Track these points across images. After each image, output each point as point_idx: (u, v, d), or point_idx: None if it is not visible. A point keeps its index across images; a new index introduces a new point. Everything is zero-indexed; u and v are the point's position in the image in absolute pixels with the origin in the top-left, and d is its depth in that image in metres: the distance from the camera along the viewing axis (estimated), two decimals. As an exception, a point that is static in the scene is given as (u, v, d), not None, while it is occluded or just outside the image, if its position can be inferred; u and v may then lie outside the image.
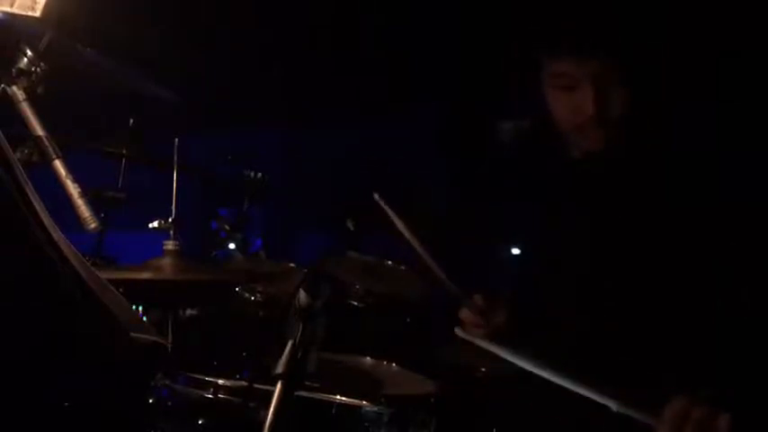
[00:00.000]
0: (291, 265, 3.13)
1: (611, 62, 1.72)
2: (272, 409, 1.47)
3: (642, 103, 1.76)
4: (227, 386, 2.33)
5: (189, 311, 2.87)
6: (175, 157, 2.52)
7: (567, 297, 1.91)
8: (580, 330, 1.85)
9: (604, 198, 1.85)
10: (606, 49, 1.73)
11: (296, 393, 1.51)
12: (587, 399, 1.60)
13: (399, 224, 1.86)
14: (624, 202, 1.81)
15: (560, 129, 1.83)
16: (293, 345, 1.51)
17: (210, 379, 2.36)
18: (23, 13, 1.74)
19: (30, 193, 1.26)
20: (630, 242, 1.79)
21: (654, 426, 1.55)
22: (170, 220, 2.47)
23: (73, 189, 1.75)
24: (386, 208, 1.87)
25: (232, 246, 3.33)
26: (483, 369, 2.73)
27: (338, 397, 2.39)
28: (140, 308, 2.64)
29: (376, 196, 1.88)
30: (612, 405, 1.55)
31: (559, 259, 1.94)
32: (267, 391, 1.68)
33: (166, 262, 2.39)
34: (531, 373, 1.72)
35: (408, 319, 3.33)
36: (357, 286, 3.16)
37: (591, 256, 1.88)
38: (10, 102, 1.77)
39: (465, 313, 1.92)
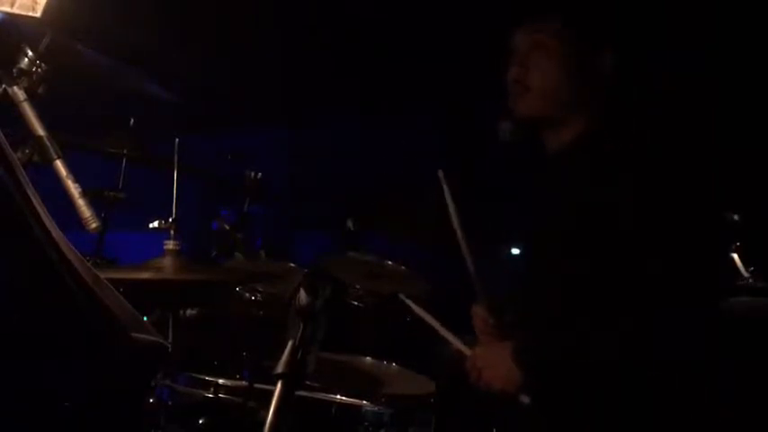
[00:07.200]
0: (291, 265, 3.13)
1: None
2: (272, 409, 1.47)
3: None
4: (227, 386, 2.33)
5: (189, 311, 2.87)
6: (176, 157, 2.52)
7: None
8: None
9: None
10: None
11: (296, 393, 1.51)
12: None
13: (452, 206, 1.92)
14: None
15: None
16: (293, 345, 1.51)
17: (210, 379, 2.36)
18: (24, 13, 1.74)
19: (30, 194, 1.26)
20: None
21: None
22: (170, 220, 2.47)
23: (73, 189, 1.75)
24: (445, 187, 1.97)
25: (232, 246, 3.33)
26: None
27: (338, 397, 2.39)
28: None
29: (440, 173, 1.98)
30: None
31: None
32: (267, 391, 1.68)
33: (167, 262, 2.38)
34: None
35: (408, 319, 3.33)
36: (357, 286, 3.16)
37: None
38: (11, 102, 1.77)
39: (477, 308, 2.05)
